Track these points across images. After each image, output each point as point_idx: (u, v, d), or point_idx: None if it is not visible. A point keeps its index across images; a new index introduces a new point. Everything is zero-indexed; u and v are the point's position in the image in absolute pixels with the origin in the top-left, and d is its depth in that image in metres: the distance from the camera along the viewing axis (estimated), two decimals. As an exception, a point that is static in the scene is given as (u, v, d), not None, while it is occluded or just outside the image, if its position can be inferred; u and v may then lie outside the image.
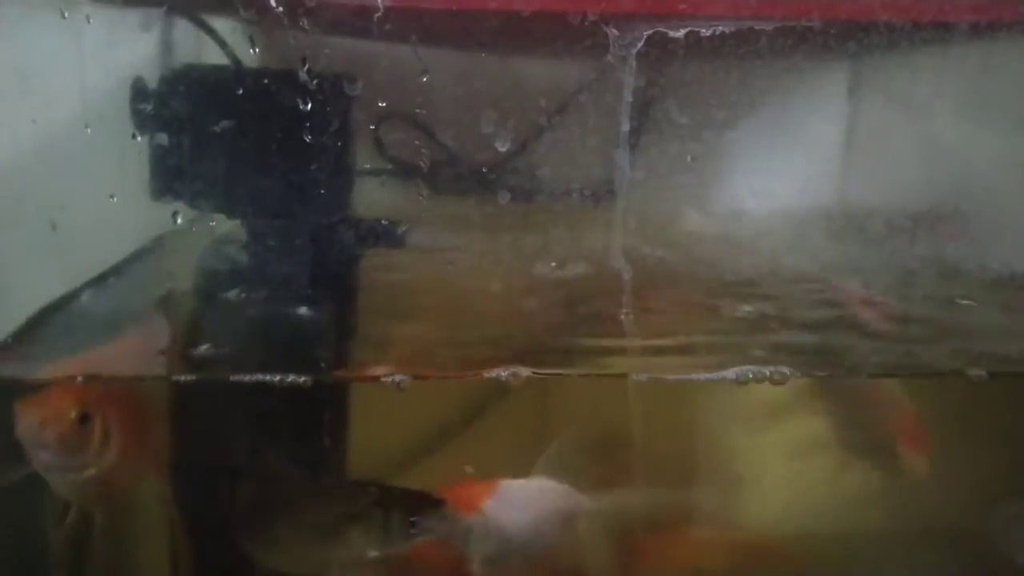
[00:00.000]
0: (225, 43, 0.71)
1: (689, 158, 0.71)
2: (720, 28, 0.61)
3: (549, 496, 0.67)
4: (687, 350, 0.73)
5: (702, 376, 0.67)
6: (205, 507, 0.71)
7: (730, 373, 0.65)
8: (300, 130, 0.65)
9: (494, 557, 0.63)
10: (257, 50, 0.67)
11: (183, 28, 0.74)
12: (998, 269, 0.79)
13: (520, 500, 0.67)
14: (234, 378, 0.64)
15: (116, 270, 0.76)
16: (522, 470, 0.68)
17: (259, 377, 0.63)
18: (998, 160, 0.79)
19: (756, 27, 0.63)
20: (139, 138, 0.69)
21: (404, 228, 0.74)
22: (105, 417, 0.63)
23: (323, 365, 0.69)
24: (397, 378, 0.64)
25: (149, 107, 0.68)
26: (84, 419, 0.62)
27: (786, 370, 0.66)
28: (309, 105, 0.63)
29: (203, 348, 0.68)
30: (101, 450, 0.63)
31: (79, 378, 0.63)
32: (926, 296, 0.79)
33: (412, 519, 0.62)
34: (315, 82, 0.63)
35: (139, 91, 0.69)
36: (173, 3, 0.70)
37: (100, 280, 0.74)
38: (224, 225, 0.70)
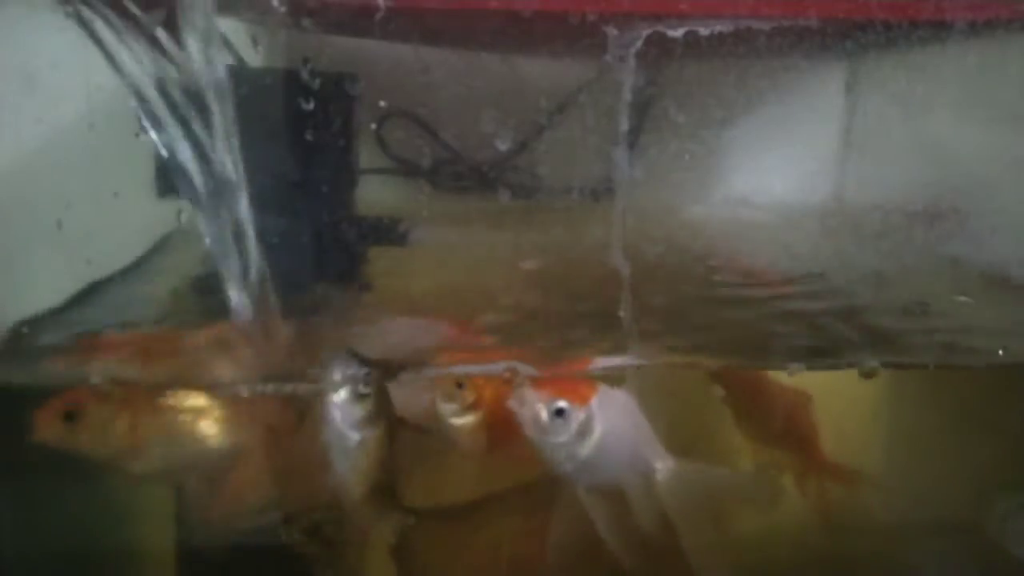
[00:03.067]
0: (229, 43, 0.71)
1: (687, 156, 0.72)
2: (718, 28, 0.61)
3: (638, 418, 0.65)
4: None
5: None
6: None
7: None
8: (303, 129, 0.65)
9: (590, 458, 0.62)
10: (260, 50, 0.67)
11: (187, 28, 0.74)
12: (994, 266, 0.80)
13: (622, 407, 0.65)
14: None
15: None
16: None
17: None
18: (995, 157, 0.80)
19: (754, 26, 0.63)
20: (143, 137, 0.69)
21: (406, 226, 0.74)
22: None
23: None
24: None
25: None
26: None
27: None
28: (311, 104, 0.64)
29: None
30: None
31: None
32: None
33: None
34: (317, 81, 0.63)
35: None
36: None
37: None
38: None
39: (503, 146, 0.66)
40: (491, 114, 0.66)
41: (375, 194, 0.79)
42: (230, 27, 0.72)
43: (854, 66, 0.85)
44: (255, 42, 0.68)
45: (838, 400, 0.78)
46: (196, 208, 0.61)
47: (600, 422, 0.63)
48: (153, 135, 0.61)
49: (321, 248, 0.70)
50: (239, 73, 0.69)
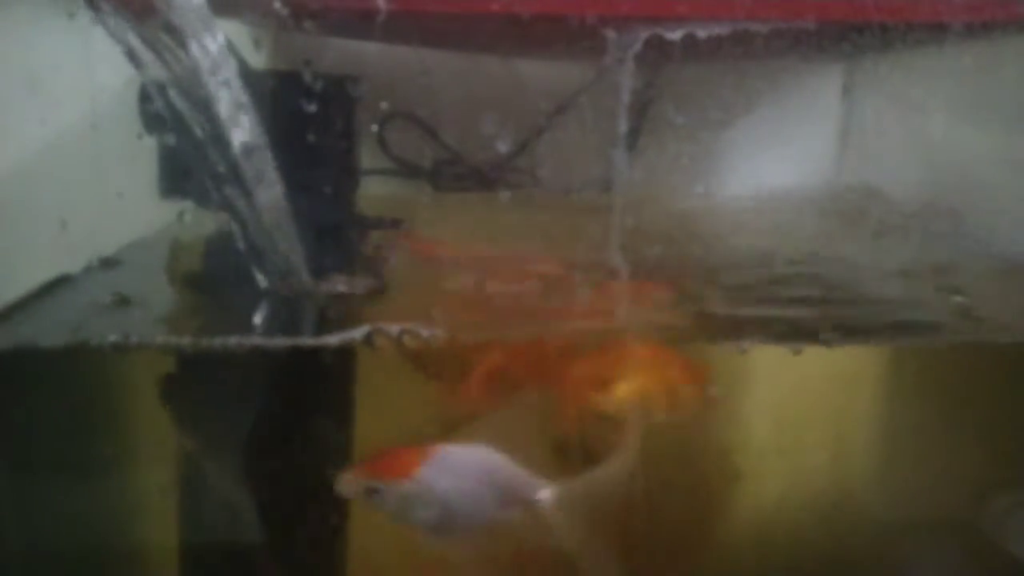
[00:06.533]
0: (232, 45, 0.72)
1: (686, 158, 0.72)
2: (716, 30, 0.62)
3: (491, 465, 0.64)
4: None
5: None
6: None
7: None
8: (305, 130, 0.65)
9: (434, 524, 0.61)
10: (263, 52, 0.68)
11: (190, 30, 0.74)
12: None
13: (459, 467, 0.63)
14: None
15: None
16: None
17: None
18: (991, 157, 0.80)
19: (752, 29, 0.63)
20: (146, 138, 0.70)
21: (406, 226, 0.75)
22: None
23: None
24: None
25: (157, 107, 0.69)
26: None
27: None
28: (314, 106, 0.64)
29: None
30: None
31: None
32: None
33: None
34: (319, 83, 0.63)
35: (147, 92, 0.69)
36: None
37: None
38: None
39: (503, 147, 0.67)
40: (491, 116, 0.66)
41: (377, 194, 0.79)
42: (233, 29, 0.72)
43: (851, 68, 0.86)
44: (257, 44, 0.68)
45: (833, 394, 0.78)
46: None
47: (439, 483, 0.62)
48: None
49: (322, 250, 0.70)
50: (241, 75, 0.70)
